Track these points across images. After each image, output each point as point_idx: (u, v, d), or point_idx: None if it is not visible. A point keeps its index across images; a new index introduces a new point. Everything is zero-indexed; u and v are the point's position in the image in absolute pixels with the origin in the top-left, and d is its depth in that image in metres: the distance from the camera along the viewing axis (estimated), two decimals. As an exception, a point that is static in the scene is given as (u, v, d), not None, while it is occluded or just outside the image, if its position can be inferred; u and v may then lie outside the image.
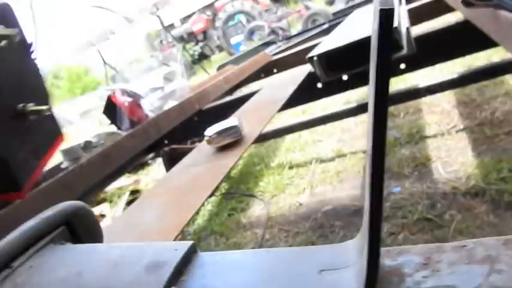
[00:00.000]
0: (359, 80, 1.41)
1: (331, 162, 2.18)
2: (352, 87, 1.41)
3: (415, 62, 1.32)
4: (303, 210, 1.80)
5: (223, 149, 0.78)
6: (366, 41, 1.03)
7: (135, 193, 2.61)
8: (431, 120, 2.19)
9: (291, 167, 2.33)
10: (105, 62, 6.35)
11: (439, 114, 2.25)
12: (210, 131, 0.82)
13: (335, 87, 1.41)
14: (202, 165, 0.73)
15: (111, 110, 1.36)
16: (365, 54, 1.11)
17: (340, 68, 1.09)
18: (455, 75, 1.85)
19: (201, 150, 0.91)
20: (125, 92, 1.33)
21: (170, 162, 2.26)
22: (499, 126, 1.86)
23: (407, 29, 0.99)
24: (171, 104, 1.60)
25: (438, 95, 2.28)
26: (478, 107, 2.16)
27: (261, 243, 1.68)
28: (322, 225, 1.61)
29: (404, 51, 1.03)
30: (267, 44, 3.24)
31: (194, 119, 1.78)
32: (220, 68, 2.79)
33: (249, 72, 2.24)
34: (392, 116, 2.47)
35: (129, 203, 2.50)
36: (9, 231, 0.85)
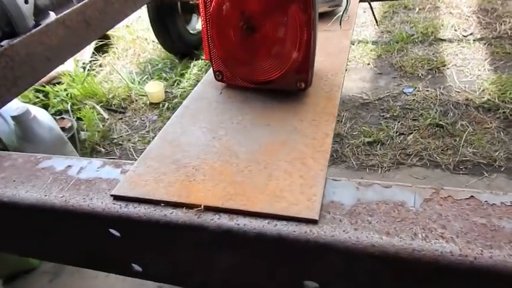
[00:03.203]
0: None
1: (337, 47, 2.04)
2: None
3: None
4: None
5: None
6: None
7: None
8: (448, 23, 2.06)
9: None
10: None
11: (457, 18, 2.12)
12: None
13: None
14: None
15: None
16: None
17: None
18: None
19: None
20: None
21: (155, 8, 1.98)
22: (519, 44, 1.81)
23: None
24: None
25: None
26: (499, 18, 2.05)
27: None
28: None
29: None
30: None
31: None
32: None
33: None
34: (407, 9, 2.30)
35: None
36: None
